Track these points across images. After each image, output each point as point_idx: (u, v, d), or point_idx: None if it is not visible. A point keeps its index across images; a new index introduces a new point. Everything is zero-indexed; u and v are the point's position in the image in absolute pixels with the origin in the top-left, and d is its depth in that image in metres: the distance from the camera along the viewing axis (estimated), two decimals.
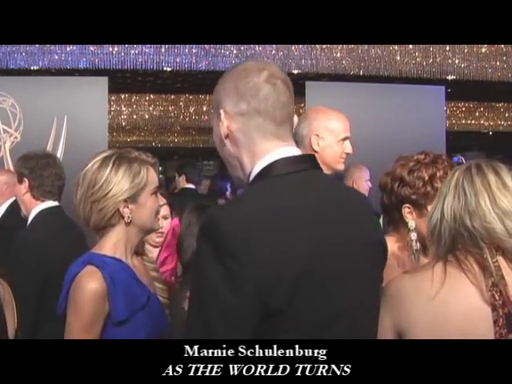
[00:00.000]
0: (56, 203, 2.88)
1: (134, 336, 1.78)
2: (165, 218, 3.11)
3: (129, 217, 1.90)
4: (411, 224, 1.98)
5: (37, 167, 2.86)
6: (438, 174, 1.97)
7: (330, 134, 2.65)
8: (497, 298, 1.39)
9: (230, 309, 1.14)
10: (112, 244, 1.92)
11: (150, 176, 1.95)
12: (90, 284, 1.80)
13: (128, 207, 1.90)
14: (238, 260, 1.14)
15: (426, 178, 1.97)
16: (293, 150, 1.34)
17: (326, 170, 2.63)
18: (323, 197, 1.30)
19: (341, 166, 2.72)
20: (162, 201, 1.98)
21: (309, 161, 1.36)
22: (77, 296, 1.80)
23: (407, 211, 1.99)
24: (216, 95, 1.41)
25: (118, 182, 1.89)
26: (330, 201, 1.31)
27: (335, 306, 1.24)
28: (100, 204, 1.88)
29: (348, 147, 2.69)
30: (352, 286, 1.27)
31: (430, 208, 1.93)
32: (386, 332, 1.48)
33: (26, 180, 2.84)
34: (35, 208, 2.84)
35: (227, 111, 1.36)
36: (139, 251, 2.07)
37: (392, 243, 2.03)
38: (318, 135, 2.64)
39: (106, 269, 1.83)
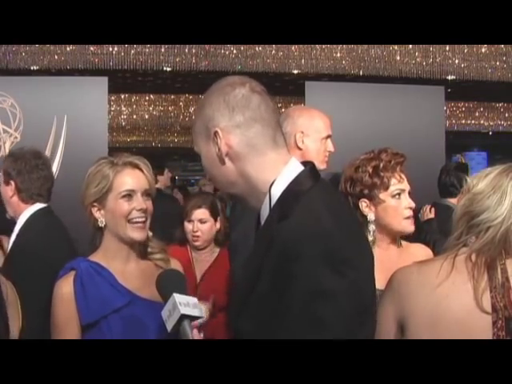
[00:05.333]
0: (45, 205, 2.73)
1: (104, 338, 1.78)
2: (201, 221, 3.20)
3: (102, 221, 1.92)
4: (370, 217, 2.12)
5: (25, 169, 2.68)
6: (380, 165, 2.09)
7: (315, 132, 2.65)
8: (498, 299, 1.40)
9: (346, 312, 1.19)
10: (101, 248, 1.97)
11: (119, 180, 1.90)
12: (59, 289, 1.89)
13: (100, 211, 1.93)
14: (350, 265, 1.21)
15: (370, 170, 2.09)
16: (297, 161, 1.37)
17: None
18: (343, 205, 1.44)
19: (323, 166, 2.70)
20: (141, 206, 1.89)
21: (316, 170, 1.38)
22: (52, 300, 1.90)
23: (364, 206, 2.12)
24: (201, 117, 1.37)
25: (87, 186, 1.94)
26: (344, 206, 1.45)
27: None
28: (82, 206, 1.96)
29: (330, 145, 2.69)
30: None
31: (382, 196, 2.09)
32: (388, 321, 1.50)
33: (12, 182, 2.67)
34: (26, 211, 2.68)
35: (222, 127, 1.33)
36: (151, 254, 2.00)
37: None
38: (303, 132, 2.64)
39: (79, 273, 1.89)
